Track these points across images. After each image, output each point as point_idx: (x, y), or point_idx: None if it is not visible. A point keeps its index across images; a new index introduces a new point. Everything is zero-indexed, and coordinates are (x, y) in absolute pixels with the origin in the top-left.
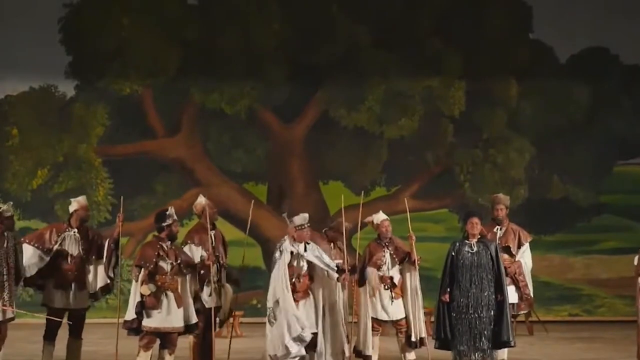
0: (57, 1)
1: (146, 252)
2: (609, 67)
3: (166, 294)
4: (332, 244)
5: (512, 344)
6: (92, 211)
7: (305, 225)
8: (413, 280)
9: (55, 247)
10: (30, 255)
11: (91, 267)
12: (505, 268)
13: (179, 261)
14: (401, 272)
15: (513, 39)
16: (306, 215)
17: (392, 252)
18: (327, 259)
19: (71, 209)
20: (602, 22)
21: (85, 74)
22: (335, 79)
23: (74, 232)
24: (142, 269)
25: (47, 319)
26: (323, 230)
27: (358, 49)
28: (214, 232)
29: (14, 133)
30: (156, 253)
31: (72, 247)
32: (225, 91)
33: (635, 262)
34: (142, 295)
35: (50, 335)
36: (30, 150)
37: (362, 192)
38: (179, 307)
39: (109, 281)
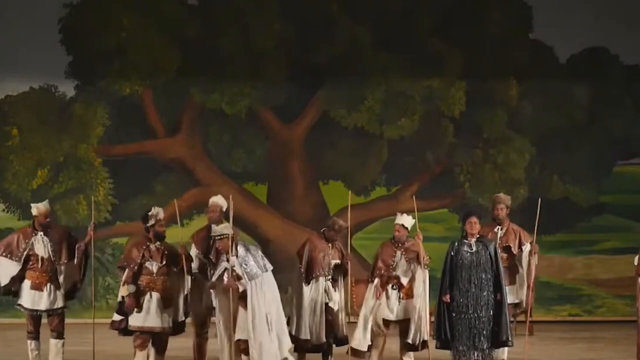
0: (57, 1)
1: (131, 253)
2: (609, 67)
3: (150, 294)
4: (330, 244)
5: (510, 344)
6: (92, 211)
7: (222, 236)
8: (421, 281)
9: (25, 252)
10: (1, 264)
11: (63, 268)
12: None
13: (164, 262)
14: (413, 273)
15: (513, 39)
16: (223, 225)
17: (403, 252)
18: (250, 267)
19: (33, 212)
20: (602, 22)
21: (85, 74)
22: (335, 79)
23: (41, 234)
24: (127, 270)
25: (26, 318)
26: (321, 230)
27: (358, 49)
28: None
29: (14, 133)
30: (142, 254)
31: (42, 250)
32: (225, 91)
33: (636, 262)
34: (122, 297)
35: (33, 335)
36: (30, 150)
37: (349, 193)
38: (165, 307)
39: (78, 285)
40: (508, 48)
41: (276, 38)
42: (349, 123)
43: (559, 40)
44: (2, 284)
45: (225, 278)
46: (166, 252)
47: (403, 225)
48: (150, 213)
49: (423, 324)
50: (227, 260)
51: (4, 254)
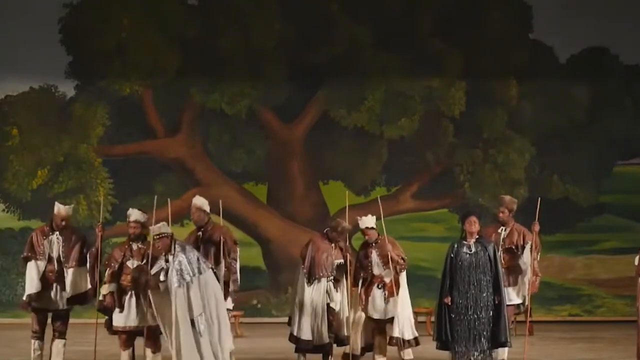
0: (57, 1)
1: (114, 253)
2: (609, 67)
3: (131, 293)
4: (333, 244)
5: (509, 344)
6: (92, 211)
7: (161, 235)
8: (401, 280)
9: (47, 250)
10: (33, 270)
11: (70, 271)
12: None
13: (144, 262)
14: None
15: (513, 39)
16: (160, 224)
17: (377, 251)
18: (182, 270)
19: (54, 211)
20: (602, 22)
21: (85, 74)
22: (335, 79)
23: (56, 234)
24: (107, 269)
25: (32, 318)
26: (324, 231)
27: (358, 49)
28: (200, 234)
29: (14, 133)
30: (123, 254)
31: (54, 251)
32: (225, 91)
33: (636, 262)
34: (103, 296)
35: (37, 335)
36: (30, 150)
37: (347, 193)
38: (147, 306)
39: (89, 288)
40: (508, 48)
41: (276, 38)
42: (349, 123)
43: (559, 40)
44: (31, 292)
45: (162, 277)
46: (148, 252)
47: (367, 227)
48: (127, 212)
49: (403, 323)
50: (166, 261)
51: (31, 257)
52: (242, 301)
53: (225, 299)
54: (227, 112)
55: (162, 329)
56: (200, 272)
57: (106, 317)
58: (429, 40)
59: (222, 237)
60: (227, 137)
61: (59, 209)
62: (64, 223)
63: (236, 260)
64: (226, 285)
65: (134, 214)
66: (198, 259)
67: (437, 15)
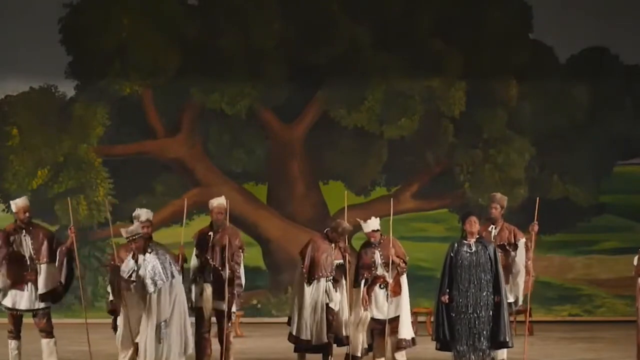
0: (57, 1)
1: (119, 253)
2: (609, 67)
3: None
4: (333, 245)
5: (510, 344)
6: (91, 211)
7: (138, 236)
8: (402, 281)
9: (10, 249)
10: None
11: (42, 267)
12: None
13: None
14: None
15: (513, 39)
16: (137, 224)
17: (380, 251)
18: (155, 273)
19: (12, 209)
20: (602, 22)
21: (85, 74)
22: (335, 79)
23: (23, 233)
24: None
25: (8, 318)
26: (324, 231)
27: (358, 49)
28: (211, 234)
29: (14, 133)
30: (127, 253)
31: (23, 248)
32: (225, 91)
33: (635, 262)
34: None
35: (13, 335)
36: (30, 150)
37: (345, 193)
38: None
39: (58, 285)
40: (508, 48)
41: (276, 38)
42: (349, 123)
43: (559, 40)
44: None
45: (133, 278)
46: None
47: (373, 230)
48: (133, 214)
49: (403, 323)
50: (136, 261)
51: None
52: (242, 301)
53: (231, 301)
54: (227, 112)
55: (130, 328)
56: (173, 276)
57: (112, 318)
58: (429, 40)
59: (227, 240)
60: (227, 137)
61: (17, 203)
62: (27, 214)
63: (239, 265)
64: (230, 287)
65: (145, 214)
66: (170, 263)
67: (437, 15)
